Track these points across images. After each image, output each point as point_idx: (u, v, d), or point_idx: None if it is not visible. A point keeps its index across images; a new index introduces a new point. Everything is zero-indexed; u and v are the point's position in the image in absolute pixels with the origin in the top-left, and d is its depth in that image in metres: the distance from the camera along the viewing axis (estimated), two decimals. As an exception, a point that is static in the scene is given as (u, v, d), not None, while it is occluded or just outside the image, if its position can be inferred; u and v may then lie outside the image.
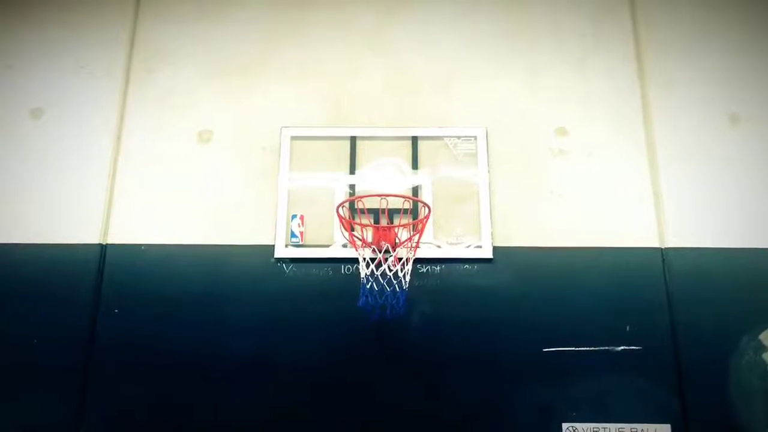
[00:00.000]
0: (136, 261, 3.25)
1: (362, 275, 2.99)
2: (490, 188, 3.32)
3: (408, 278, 2.98)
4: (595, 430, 2.97)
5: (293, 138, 3.43)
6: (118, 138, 3.50)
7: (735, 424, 2.96)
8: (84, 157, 3.45)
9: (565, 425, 2.97)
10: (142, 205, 3.38)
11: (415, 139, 3.42)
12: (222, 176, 3.43)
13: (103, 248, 3.28)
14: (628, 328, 3.11)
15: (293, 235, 3.26)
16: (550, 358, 3.06)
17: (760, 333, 3.07)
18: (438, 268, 3.22)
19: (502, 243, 3.24)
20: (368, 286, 2.99)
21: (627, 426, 2.97)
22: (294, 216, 3.28)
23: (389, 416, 3.01)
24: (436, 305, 3.15)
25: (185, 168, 3.44)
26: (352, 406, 3.03)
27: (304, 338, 3.12)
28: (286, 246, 3.24)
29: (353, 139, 3.42)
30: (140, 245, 3.29)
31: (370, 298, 2.98)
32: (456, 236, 3.25)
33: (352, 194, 3.28)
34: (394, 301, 2.97)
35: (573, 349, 3.07)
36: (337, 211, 3.03)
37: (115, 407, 3.04)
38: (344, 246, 3.19)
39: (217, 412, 3.01)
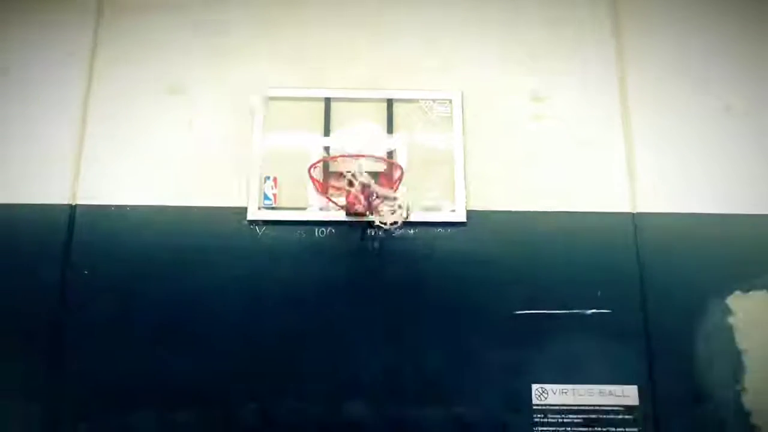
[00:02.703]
0: (106, 222, 3.20)
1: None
2: (465, 152, 3.31)
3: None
4: (564, 390, 3.01)
5: (268, 98, 3.37)
6: (87, 95, 3.41)
7: (700, 385, 3.02)
8: (51, 114, 3.35)
9: (534, 386, 3.01)
10: (112, 166, 3.31)
11: (390, 102, 3.38)
12: (194, 136, 3.36)
13: (72, 209, 3.22)
14: (599, 292, 3.13)
15: (266, 197, 3.22)
16: (521, 320, 3.08)
17: (727, 297, 3.12)
18: (412, 231, 3.21)
19: (476, 207, 3.24)
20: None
21: (595, 387, 3.01)
22: (267, 178, 3.25)
23: (361, 376, 3.02)
24: (408, 267, 3.15)
25: (156, 128, 3.37)
26: (323, 366, 3.03)
27: (276, 301, 3.10)
28: (259, 208, 3.21)
29: (327, 101, 3.37)
30: (110, 206, 3.23)
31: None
32: (430, 200, 3.24)
33: (326, 156, 3.24)
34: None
35: (543, 311, 3.10)
36: (309, 173, 3.00)
37: (87, 371, 2.99)
38: (321, 209, 3.17)
39: (189, 375, 3.00)
